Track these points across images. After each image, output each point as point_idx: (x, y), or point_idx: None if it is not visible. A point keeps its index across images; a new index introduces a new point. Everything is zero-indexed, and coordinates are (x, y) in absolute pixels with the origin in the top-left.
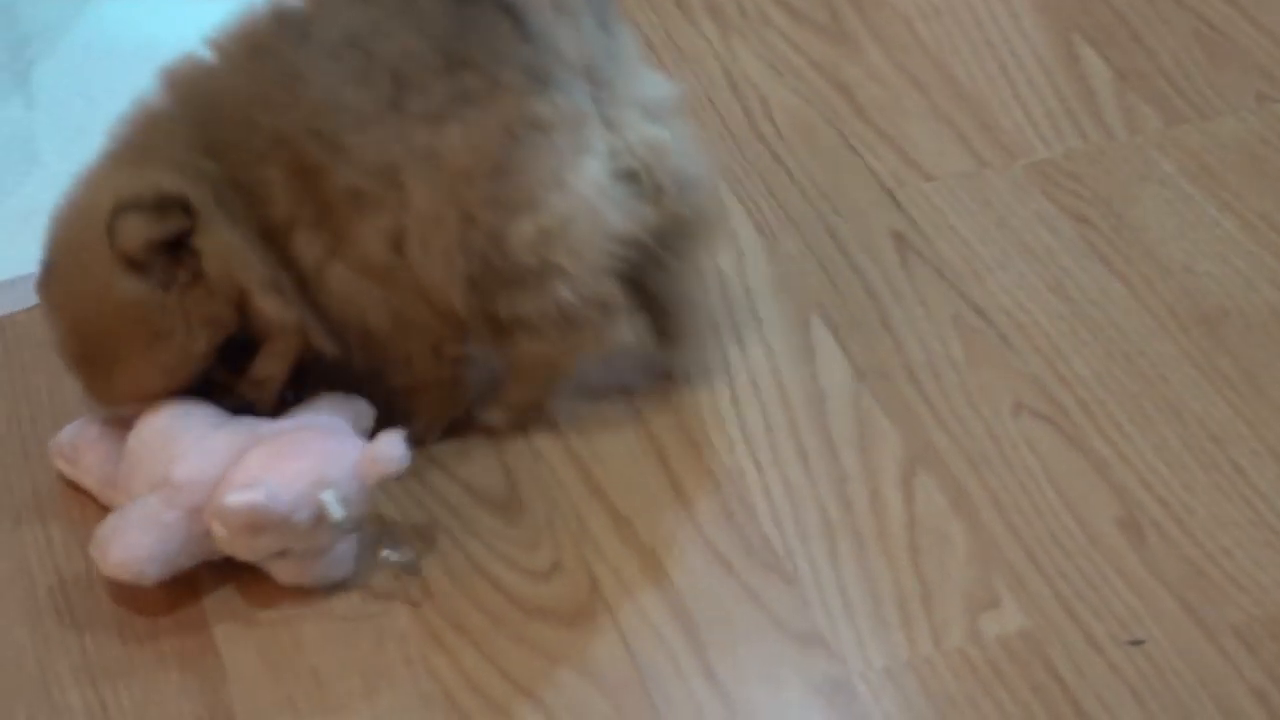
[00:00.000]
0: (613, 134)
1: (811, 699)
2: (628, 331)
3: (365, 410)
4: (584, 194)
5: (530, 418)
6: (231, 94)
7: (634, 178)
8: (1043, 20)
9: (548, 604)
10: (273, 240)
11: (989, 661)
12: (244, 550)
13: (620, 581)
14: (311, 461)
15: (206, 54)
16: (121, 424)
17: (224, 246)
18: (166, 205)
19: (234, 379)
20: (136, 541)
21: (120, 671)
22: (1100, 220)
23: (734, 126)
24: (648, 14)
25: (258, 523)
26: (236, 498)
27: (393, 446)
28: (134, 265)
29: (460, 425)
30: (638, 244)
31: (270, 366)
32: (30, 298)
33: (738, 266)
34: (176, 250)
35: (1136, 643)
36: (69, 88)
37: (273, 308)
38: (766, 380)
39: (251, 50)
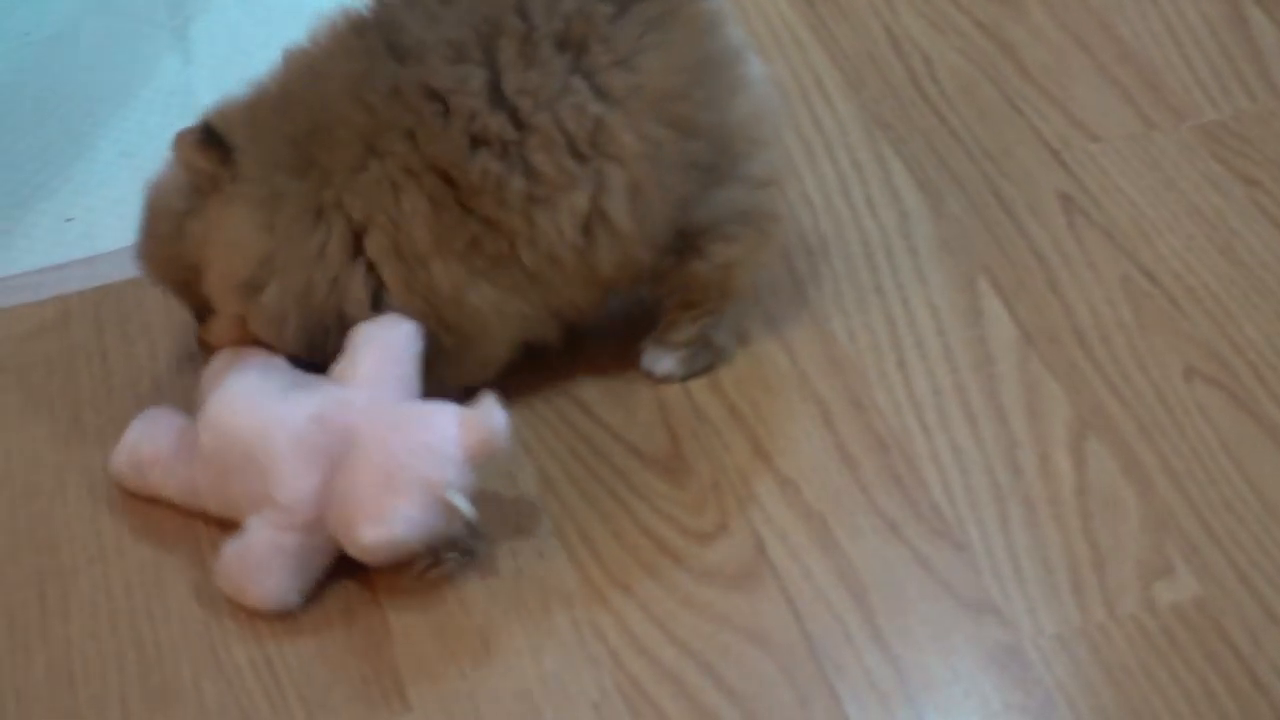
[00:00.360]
0: None
1: (984, 666)
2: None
3: (413, 332)
4: (761, 72)
5: (699, 366)
6: (345, 122)
7: None
8: None
9: (714, 566)
10: (390, 260)
11: (1163, 629)
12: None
13: (786, 545)
14: (423, 470)
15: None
16: (175, 434)
17: (219, 230)
18: (205, 149)
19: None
20: (269, 579)
21: (286, 631)
22: (1270, 182)
23: (897, 85)
24: None
25: (402, 549)
26: (374, 536)
27: (492, 418)
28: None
29: (625, 388)
30: None
31: (214, 336)
32: None
33: (902, 227)
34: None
35: None
36: (226, 43)
37: (232, 301)
38: (932, 342)
39: (351, 82)
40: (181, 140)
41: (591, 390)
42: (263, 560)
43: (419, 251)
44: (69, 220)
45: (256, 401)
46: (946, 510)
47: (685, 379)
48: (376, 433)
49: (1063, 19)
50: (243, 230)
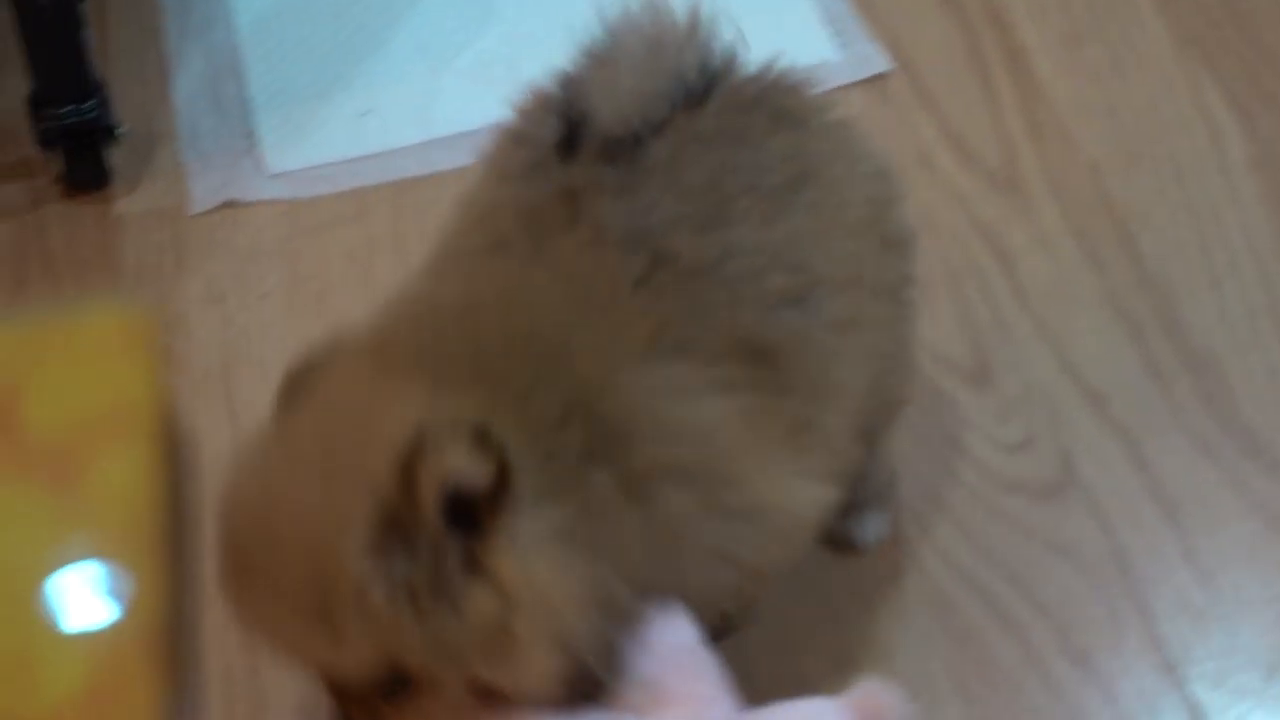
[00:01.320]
0: None
1: None
2: None
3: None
4: None
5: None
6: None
7: None
8: None
9: (1020, 478)
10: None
11: None
12: None
13: (1095, 459)
14: None
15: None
16: None
17: (526, 584)
18: (486, 445)
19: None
20: None
21: None
22: None
23: (1208, 1)
24: None
25: None
26: None
27: (880, 698)
28: (398, 526)
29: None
30: None
31: None
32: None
33: (1213, 145)
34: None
35: None
36: None
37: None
38: (1245, 260)
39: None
40: (439, 460)
41: None
42: None
43: (736, 463)
44: (365, 114)
45: None
46: (1260, 432)
47: None
48: None
49: None
50: (564, 566)
